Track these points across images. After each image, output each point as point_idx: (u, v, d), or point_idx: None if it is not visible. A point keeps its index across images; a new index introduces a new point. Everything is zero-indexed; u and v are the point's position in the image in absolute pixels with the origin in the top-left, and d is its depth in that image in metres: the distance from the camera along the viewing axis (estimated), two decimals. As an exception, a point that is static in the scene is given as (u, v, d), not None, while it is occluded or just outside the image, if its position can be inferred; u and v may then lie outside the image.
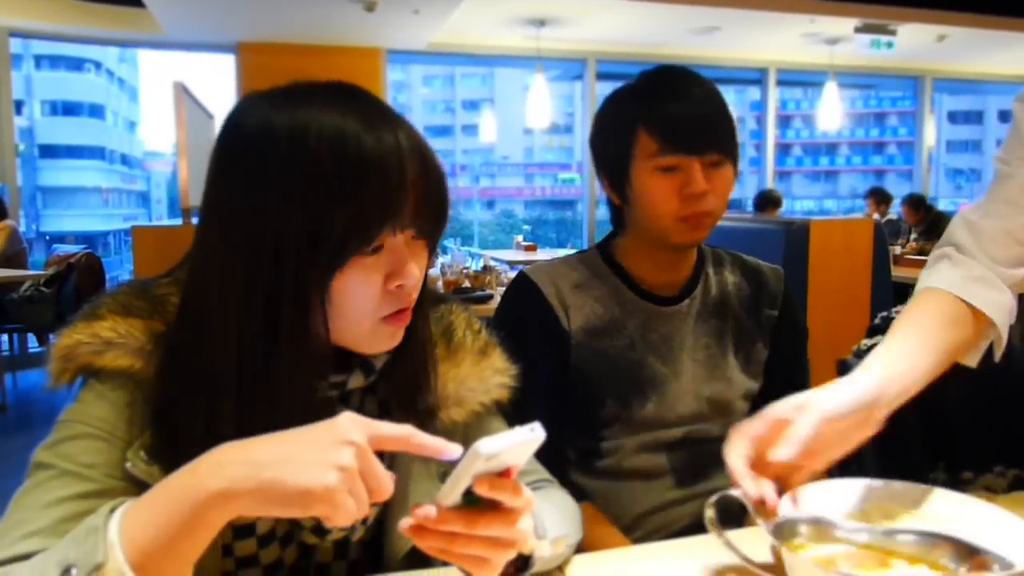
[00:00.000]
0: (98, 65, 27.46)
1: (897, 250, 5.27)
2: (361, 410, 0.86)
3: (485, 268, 4.05)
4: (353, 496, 0.60)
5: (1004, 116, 31.31)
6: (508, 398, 0.95)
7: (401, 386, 0.88)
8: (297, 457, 0.61)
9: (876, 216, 6.73)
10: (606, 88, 7.15)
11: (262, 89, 0.79)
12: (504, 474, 0.66)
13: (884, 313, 1.52)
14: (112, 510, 0.64)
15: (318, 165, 0.72)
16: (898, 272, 4.66)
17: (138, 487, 0.72)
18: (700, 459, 1.25)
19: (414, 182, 0.75)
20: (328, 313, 0.76)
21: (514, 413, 1.13)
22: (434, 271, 4.01)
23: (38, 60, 25.63)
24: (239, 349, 0.75)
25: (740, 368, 1.31)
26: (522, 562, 0.79)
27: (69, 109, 26.99)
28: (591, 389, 1.25)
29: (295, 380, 0.76)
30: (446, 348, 0.93)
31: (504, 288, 1.30)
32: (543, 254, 6.29)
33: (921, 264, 4.48)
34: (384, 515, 0.88)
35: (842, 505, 0.88)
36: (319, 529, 0.84)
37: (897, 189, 8.04)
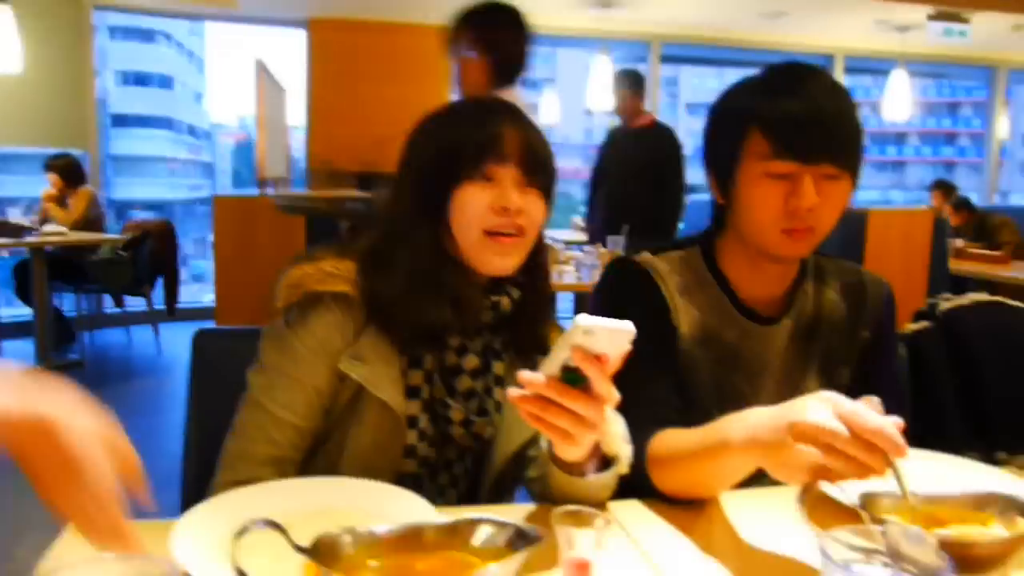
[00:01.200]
0: (168, 37, 28.11)
1: (959, 243, 5.18)
2: (491, 344, 1.16)
3: (542, 247, 4.12)
4: None
5: (1086, 108, 29.90)
6: None
7: (523, 321, 1.16)
8: None
9: (942, 209, 6.58)
10: (670, 71, 7.12)
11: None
12: (599, 359, 0.82)
13: (932, 300, 1.57)
14: None
15: (451, 121, 1.13)
16: (961, 265, 4.61)
17: (341, 383, 1.06)
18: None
19: (513, 134, 1.08)
20: (455, 222, 1.07)
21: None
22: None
23: (112, 31, 26.36)
24: (405, 248, 1.08)
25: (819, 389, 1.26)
26: (603, 464, 0.99)
27: (140, 80, 27.70)
28: (680, 397, 1.21)
29: (437, 264, 1.08)
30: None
31: (602, 274, 1.33)
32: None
33: (986, 259, 4.47)
34: (498, 423, 1.15)
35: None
36: (466, 422, 1.12)
37: (966, 182, 7.85)
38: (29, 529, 1.33)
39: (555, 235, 6.47)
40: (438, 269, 1.08)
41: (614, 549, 0.92)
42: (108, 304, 6.05)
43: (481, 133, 1.08)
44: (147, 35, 27.50)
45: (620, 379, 1.17)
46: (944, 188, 6.82)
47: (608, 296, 1.27)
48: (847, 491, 0.84)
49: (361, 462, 1.07)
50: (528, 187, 1.09)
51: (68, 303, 5.65)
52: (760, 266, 1.21)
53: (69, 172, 5.45)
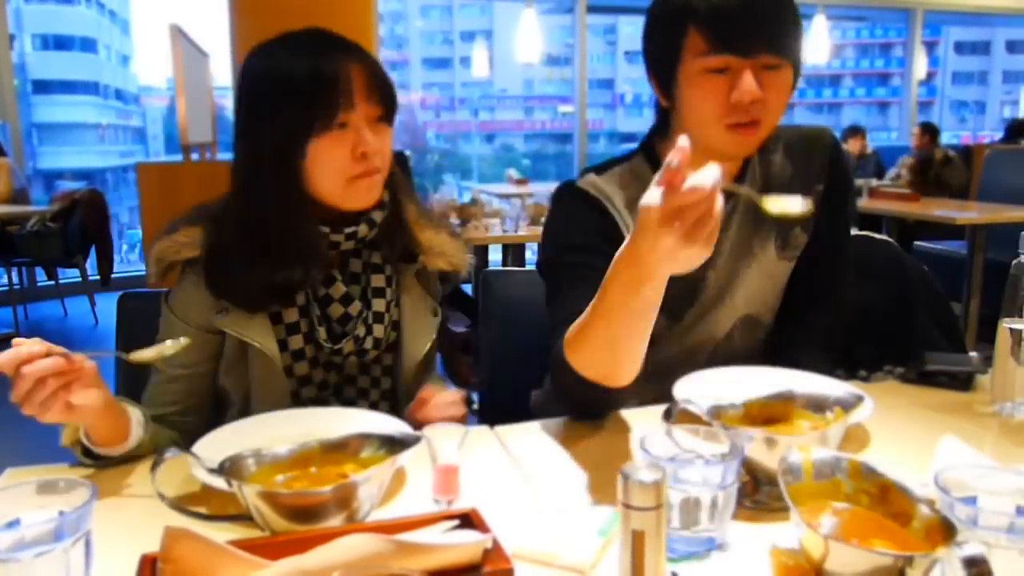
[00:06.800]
0: (88, -3, 26.94)
1: (873, 182, 5.41)
2: (370, 260, 1.23)
3: (473, 201, 4.22)
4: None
5: (1012, 47, 30.64)
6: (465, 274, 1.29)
7: (394, 234, 1.22)
8: None
9: (849, 152, 6.83)
10: (597, 20, 7.16)
11: (261, 43, 1.14)
12: None
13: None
14: None
15: (289, 86, 1.06)
16: (875, 204, 4.84)
17: (222, 336, 1.16)
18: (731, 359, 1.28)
19: (358, 73, 1.07)
20: (312, 176, 1.09)
21: (551, 295, 1.24)
22: (423, 204, 4.19)
23: (27, -8, 25.13)
24: (249, 209, 1.11)
25: (776, 254, 1.31)
26: None
27: (61, 43, 26.53)
28: None
29: (289, 226, 1.11)
30: (426, 218, 1.29)
31: (550, 204, 1.32)
32: (535, 188, 6.42)
33: (897, 197, 4.68)
34: (399, 339, 1.25)
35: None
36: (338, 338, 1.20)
37: (899, 123, 8.13)
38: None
39: (488, 188, 6.56)
40: (285, 229, 1.11)
41: (492, 460, 1.05)
42: (42, 276, 5.96)
43: (329, 83, 1.05)
44: (64, -4, 26.30)
45: (566, 298, 1.15)
46: (858, 133, 7.10)
47: (556, 225, 1.28)
48: (701, 406, 0.98)
49: (264, 392, 1.17)
50: (378, 123, 1.11)
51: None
52: (707, 161, 1.18)
53: (-19, 146, 5.30)
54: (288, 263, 1.12)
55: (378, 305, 1.23)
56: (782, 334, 1.43)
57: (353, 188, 1.11)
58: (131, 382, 1.37)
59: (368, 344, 1.22)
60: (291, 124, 1.07)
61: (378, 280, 1.24)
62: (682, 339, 1.31)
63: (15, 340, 0.87)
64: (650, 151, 1.28)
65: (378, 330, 1.22)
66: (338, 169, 1.09)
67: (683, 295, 1.28)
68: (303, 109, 1.06)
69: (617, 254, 0.88)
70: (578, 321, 1.00)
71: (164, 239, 1.15)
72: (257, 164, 1.11)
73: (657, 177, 0.79)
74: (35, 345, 0.86)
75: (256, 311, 1.15)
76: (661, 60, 1.17)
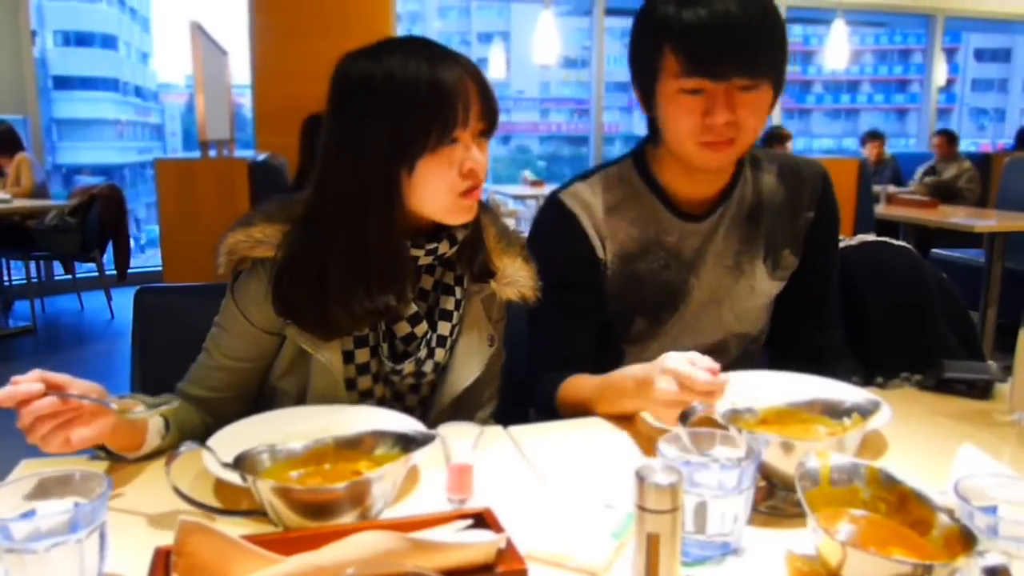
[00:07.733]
0: (109, -6, 27.11)
1: (890, 188, 5.37)
2: (442, 279, 1.20)
3: (488, 202, 4.22)
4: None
5: (1035, 54, 30.28)
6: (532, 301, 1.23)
7: (473, 254, 1.20)
8: None
9: (867, 156, 6.79)
10: (615, 23, 7.15)
11: (356, 49, 1.09)
12: None
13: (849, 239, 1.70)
14: None
15: (406, 94, 1.01)
16: (892, 210, 4.80)
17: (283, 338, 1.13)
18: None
19: (471, 89, 1.05)
20: (417, 192, 1.06)
21: (533, 326, 1.33)
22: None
23: (49, -11, 25.31)
24: (343, 222, 1.06)
25: (767, 274, 1.35)
26: None
27: (82, 40, 26.70)
28: (622, 308, 1.30)
29: (385, 242, 1.07)
30: (506, 242, 1.23)
31: (534, 222, 1.36)
32: (550, 190, 6.40)
33: (915, 204, 4.65)
34: (448, 362, 1.21)
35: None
36: (398, 356, 1.18)
37: (917, 129, 8.05)
38: None
39: (504, 190, 6.56)
40: (384, 249, 1.08)
41: (504, 459, 1.04)
42: (59, 270, 6.00)
43: (448, 100, 1.02)
44: (86, -7, 26.48)
45: (548, 336, 1.30)
46: (876, 138, 7.03)
47: (536, 244, 1.29)
48: (718, 410, 0.97)
49: (322, 401, 1.14)
50: (482, 137, 1.10)
51: (18, 271, 5.61)
52: (693, 172, 1.25)
53: (2, 140, 5.33)
54: (384, 288, 1.09)
55: (443, 328, 1.20)
56: (775, 351, 1.48)
57: (458, 204, 1.09)
58: (148, 378, 1.38)
59: (427, 368, 1.20)
60: (405, 139, 1.03)
61: (447, 302, 1.20)
62: (669, 349, 1.34)
63: (13, 379, 0.85)
64: (640, 158, 1.32)
65: (439, 354, 1.20)
66: (448, 186, 1.07)
67: (664, 301, 1.32)
68: (420, 123, 1.02)
69: (630, 378, 1.07)
70: (573, 391, 1.20)
71: (238, 231, 1.11)
72: (360, 177, 1.06)
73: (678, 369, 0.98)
74: (33, 383, 0.84)
75: (333, 338, 1.12)
76: (642, 75, 1.21)
